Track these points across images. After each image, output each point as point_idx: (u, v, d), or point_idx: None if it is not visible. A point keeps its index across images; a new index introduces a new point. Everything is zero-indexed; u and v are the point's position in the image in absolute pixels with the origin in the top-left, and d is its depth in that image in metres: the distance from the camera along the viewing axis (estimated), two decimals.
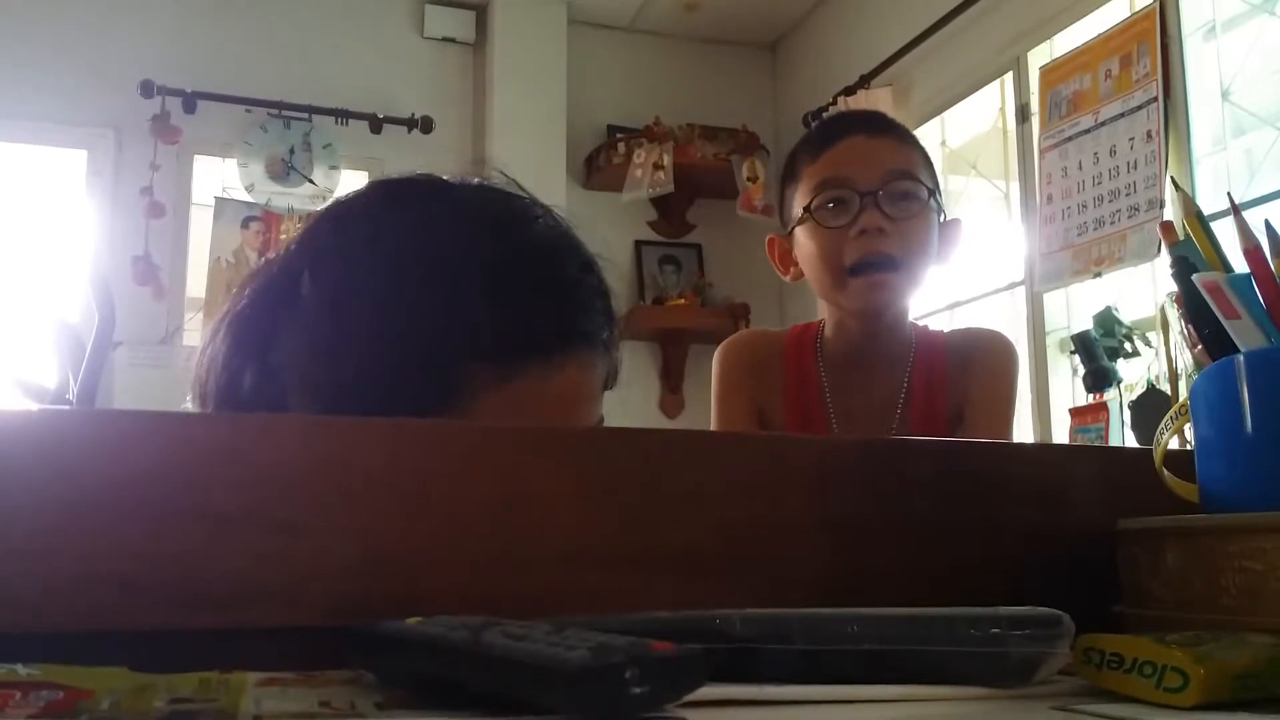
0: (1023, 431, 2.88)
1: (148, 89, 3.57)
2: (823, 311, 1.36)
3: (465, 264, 0.64)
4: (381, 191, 0.71)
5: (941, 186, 1.35)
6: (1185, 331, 0.57)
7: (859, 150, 1.27)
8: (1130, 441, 2.40)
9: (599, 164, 4.04)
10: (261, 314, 0.66)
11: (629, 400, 3.94)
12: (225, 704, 0.36)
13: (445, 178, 0.71)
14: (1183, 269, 0.56)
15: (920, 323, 1.40)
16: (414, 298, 0.63)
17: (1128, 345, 2.54)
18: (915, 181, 1.26)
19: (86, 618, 0.44)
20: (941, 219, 1.31)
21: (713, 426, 1.38)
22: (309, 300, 0.64)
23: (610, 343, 0.70)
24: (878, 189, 1.24)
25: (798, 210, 1.30)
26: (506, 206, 0.71)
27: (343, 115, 3.80)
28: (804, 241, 1.29)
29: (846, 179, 1.25)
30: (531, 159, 3.84)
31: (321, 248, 0.67)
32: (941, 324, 3.28)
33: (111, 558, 0.45)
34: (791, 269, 1.34)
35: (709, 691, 0.38)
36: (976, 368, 1.30)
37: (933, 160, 1.35)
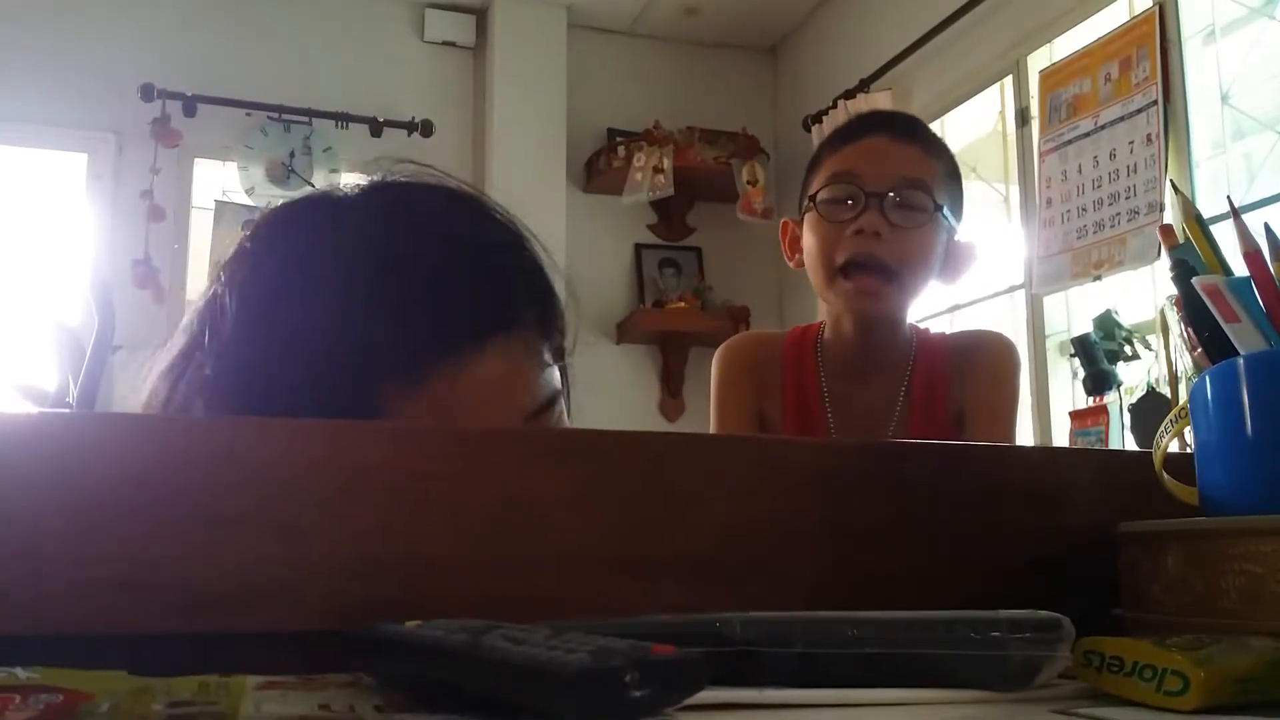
0: (1023, 434, 2.88)
1: (148, 93, 3.57)
2: (823, 313, 1.35)
3: (350, 288, 0.63)
4: (279, 215, 0.70)
5: (963, 209, 1.33)
6: (1185, 334, 0.57)
7: (879, 150, 1.27)
8: (1130, 444, 2.40)
9: (599, 167, 4.05)
10: (200, 329, 0.66)
11: (629, 404, 3.94)
12: (225, 707, 0.36)
13: (337, 191, 0.71)
14: (1182, 272, 0.56)
15: (922, 325, 1.40)
16: (313, 330, 0.62)
17: (1128, 348, 2.54)
18: (925, 194, 1.25)
19: (86, 621, 0.44)
20: (953, 237, 1.30)
21: (712, 429, 1.38)
22: (235, 319, 0.64)
23: (543, 319, 0.68)
24: (885, 192, 1.23)
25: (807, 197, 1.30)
26: (390, 207, 0.69)
27: (343, 119, 3.81)
28: (806, 230, 1.30)
29: (857, 176, 1.25)
30: (532, 162, 3.85)
31: (242, 271, 0.67)
32: (942, 327, 3.29)
33: (111, 561, 0.45)
34: (796, 255, 1.34)
35: (709, 695, 0.38)
36: (978, 370, 1.30)
37: (960, 177, 1.33)
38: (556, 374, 0.70)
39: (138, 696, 0.37)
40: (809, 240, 1.29)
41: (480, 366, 0.64)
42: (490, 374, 0.64)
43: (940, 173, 1.28)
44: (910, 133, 1.31)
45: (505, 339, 0.66)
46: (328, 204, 0.70)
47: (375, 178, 0.72)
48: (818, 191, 1.27)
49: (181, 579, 0.45)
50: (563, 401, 0.71)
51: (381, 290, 0.63)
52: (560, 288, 0.72)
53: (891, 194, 1.23)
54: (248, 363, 0.63)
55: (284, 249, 0.67)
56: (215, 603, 0.46)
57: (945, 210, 1.26)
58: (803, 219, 1.32)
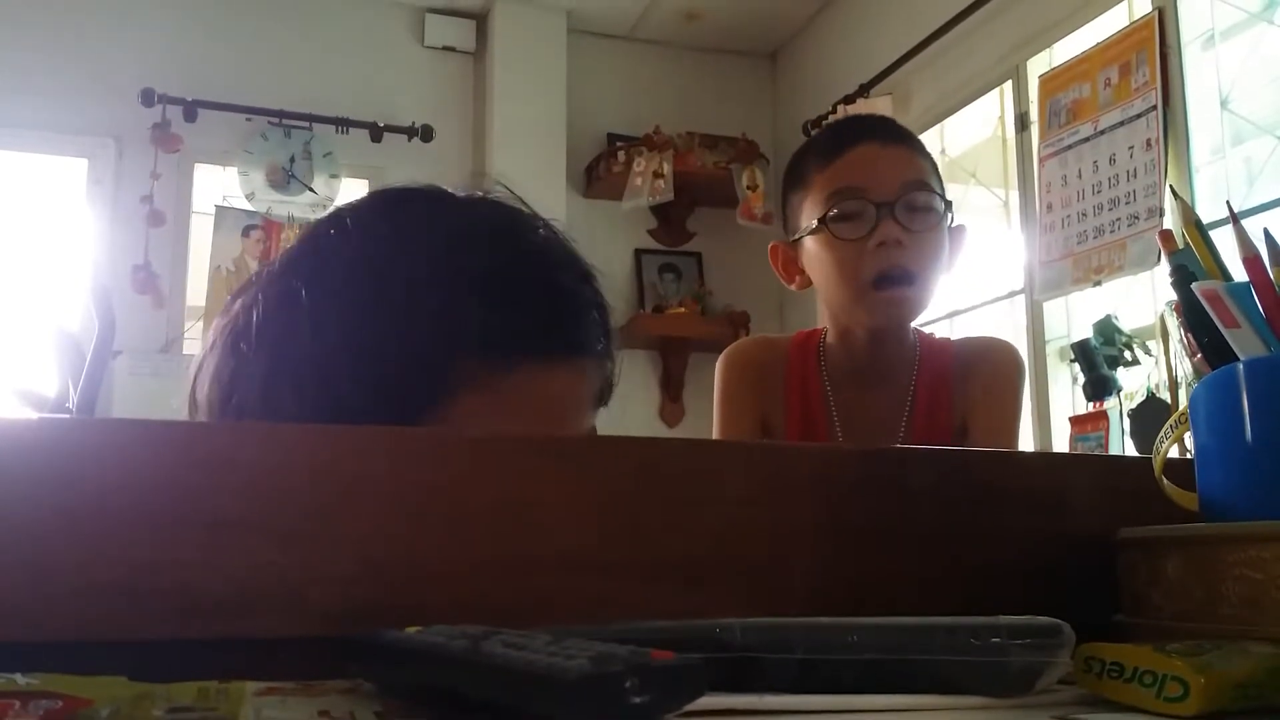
0: (1023, 440, 2.87)
1: (148, 97, 3.58)
2: (823, 319, 1.35)
3: (460, 267, 0.65)
4: (382, 199, 0.71)
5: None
6: (1185, 340, 0.57)
7: (872, 159, 1.25)
8: (1130, 450, 2.40)
9: (599, 172, 4.05)
10: (261, 322, 0.65)
11: (629, 409, 3.94)
12: (224, 713, 0.36)
13: (448, 189, 0.72)
14: (1182, 277, 0.56)
15: (926, 330, 1.39)
16: (408, 299, 0.63)
17: (1127, 354, 2.54)
18: (931, 192, 1.24)
19: (86, 627, 0.44)
20: (950, 224, 1.30)
21: (715, 434, 1.38)
22: (305, 307, 0.64)
23: (606, 355, 0.70)
24: (895, 200, 1.22)
25: (806, 219, 1.27)
26: (506, 215, 0.71)
27: (343, 124, 3.81)
28: (817, 252, 1.27)
29: (861, 189, 1.23)
30: (532, 167, 3.85)
31: (320, 255, 0.67)
32: (943, 332, 3.29)
33: (111, 567, 0.45)
34: (798, 277, 1.32)
35: (709, 701, 0.38)
36: (982, 378, 1.29)
37: (939, 170, 1.34)
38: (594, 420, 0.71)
39: (137, 702, 0.37)
40: (824, 261, 1.26)
41: (559, 376, 0.66)
42: (563, 387, 0.66)
43: (930, 167, 1.28)
44: (895, 135, 1.30)
45: (582, 360, 0.67)
46: (440, 195, 0.71)
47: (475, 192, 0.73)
48: (825, 212, 1.24)
49: (181, 584, 0.45)
50: None
51: (492, 277, 0.64)
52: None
53: (901, 200, 1.22)
54: (337, 330, 0.62)
55: (393, 227, 0.67)
56: (215, 608, 0.46)
57: (951, 209, 1.27)
58: (798, 242, 1.30)
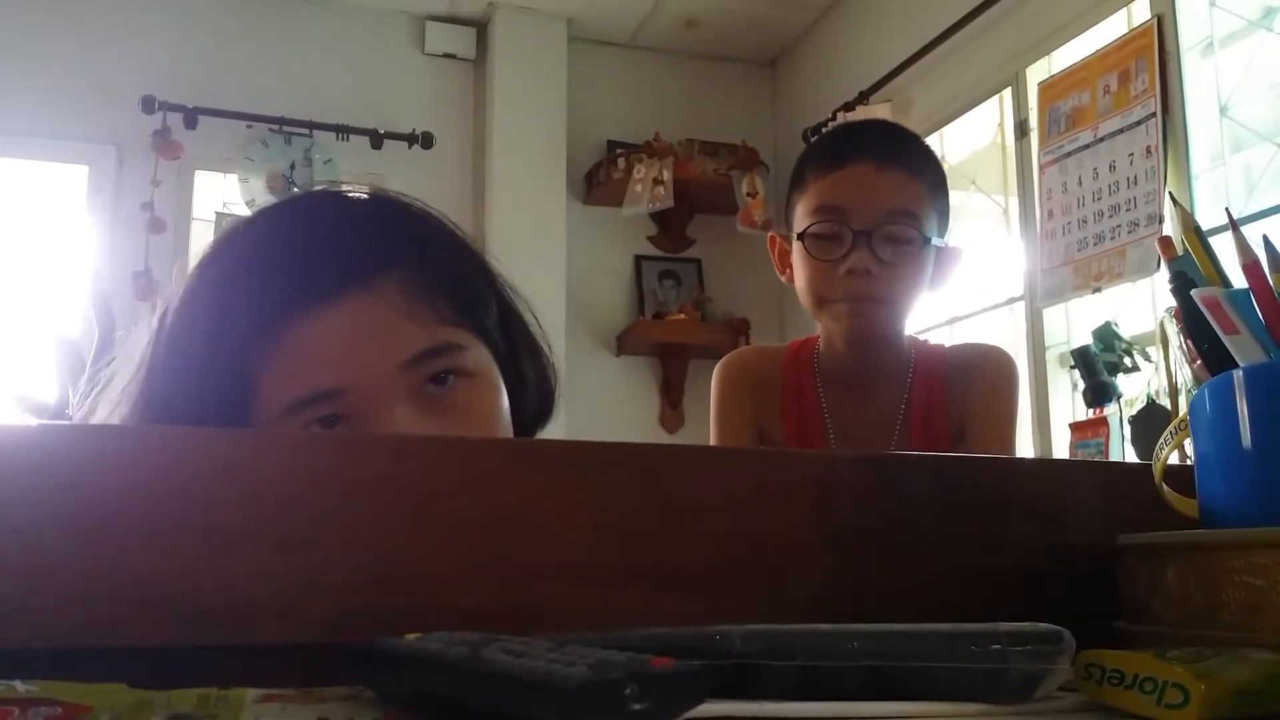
0: (1023, 446, 2.87)
1: (149, 104, 3.58)
2: (820, 326, 1.36)
3: (222, 259, 0.70)
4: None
5: (950, 214, 1.34)
6: (1184, 346, 0.57)
7: (863, 181, 1.25)
8: (1130, 456, 2.40)
9: (599, 179, 4.05)
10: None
11: (629, 415, 3.94)
12: None
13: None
14: (1182, 284, 0.57)
15: (921, 337, 1.40)
16: (196, 306, 0.68)
17: (1127, 360, 2.54)
18: (912, 226, 1.24)
19: (85, 634, 0.44)
20: (943, 244, 1.30)
21: (712, 444, 1.38)
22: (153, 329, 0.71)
23: (432, 284, 0.70)
24: (872, 229, 1.23)
25: (796, 224, 1.30)
26: (288, 204, 0.76)
27: (344, 131, 3.81)
28: (796, 258, 1.30)
29: (843, 211, 1.24)
30: (532, 174, 3.85)
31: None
32: (941, 338, 3.29)
33: (110, 574, 0.45)
34: (788, 270, 1.34)
35: (709, 708, 0.38)
36: (977, 384, 1.30)
37: (945, 184, 1.33)
38: (463, 338, 0.71)
39: (137, 709, 0.37)
40: (799, 271, 1.30)
41: (332, 315, 0.66)
42: (346, 321, 0.67)
43: (926, 193, 1.28)
44: (894, 157, 1.28)
45: (353, 291, 0.67)
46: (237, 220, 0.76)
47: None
48: (807, 227, 1.26)
49: (181, 591, 0.45)
50: (485, 371, 0.72)
51: (245, 263, 0.69)
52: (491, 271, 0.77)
53: (878, 230, 1.23)
54: (157, 368, 0.68)
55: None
56: (215, 615, 0.46)
57: (932, 238, 1.27)
58: (790, 239, 1.32)
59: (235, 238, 0.71)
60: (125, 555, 0.45)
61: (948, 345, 1.40)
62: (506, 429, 0.72)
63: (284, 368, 0.66)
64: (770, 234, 1.38)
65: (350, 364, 0.66)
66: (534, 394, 0.78)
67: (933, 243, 1.27)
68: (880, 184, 1.26)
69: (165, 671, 0.41)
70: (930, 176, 1.30)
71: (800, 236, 1.28)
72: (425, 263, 0.71)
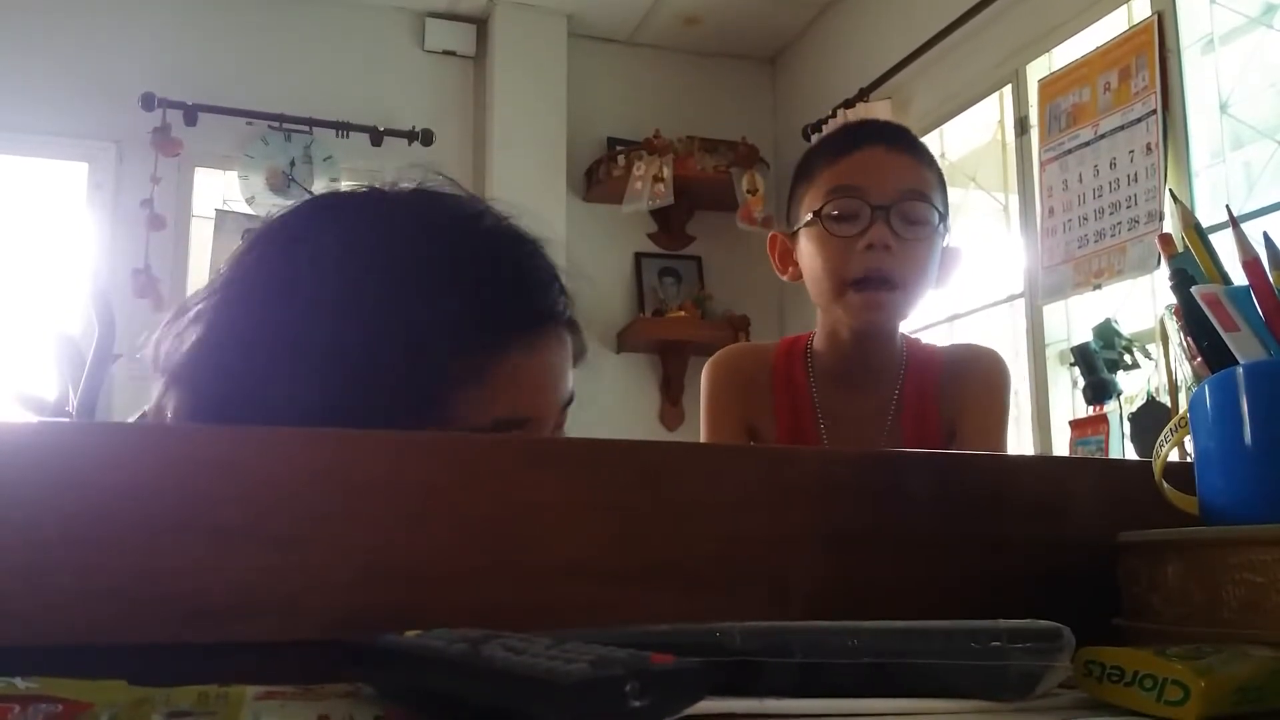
0: (1023, 443, 2.87)
1: (149, 102, 3.58)
2: (820, 320, 1.35)
3: (422, 263, 0.66)
4: (318, 205, 0.73)
5: (949, 210, 1.34)
6: (1184, 344, 0.57)
7: (877, 162, 1.26)
8: (1130, 454, 2.40)
9: (599, 176, 4.05)
10: (221, 343, 0.66)
11: (629, 412, 3.94)
12: (224, 717, 0.36)
13: (380, 185, 0.74)
14: (1182, 281, 0.56)
15: (914, 335, 1.40)
16: (376, 306, 0.64)
17: (1127, 357, 2.54)
18: (928, 204, 1.25)
19: (85, 631, 0.44)
20: (945, 243, 1.30)
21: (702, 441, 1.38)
22: (268, 324, 0.64)
23: (573, 319, 0.73)
24: (890, 205, 1.23)
25: (806, 211, 1.29)
26: (449, 204, 0.73)
27: (343, 128, 3.81)
28: (809, 245, 1.29)
29: (860, 189, 1.24)
30: (532, 171, 3.85)
31: (271, 269, 0.68)
32: (941, 335, 3.29)
33: (110, 571, 0.45)
34: (790, 269, 1.33)
35: (709, 705, 0.38)
36: (969, 384, 1.30)
37: (946, 186, 1.34)
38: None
39: (137, 707, 0.37)
40: (813, 255, 1.28)
41: (542, 351, 0.68)
42: (547, 361, 0.69)
43: (935, 181, 1.29)
44: (904, 143, 1.31)
45: (557, 329, 0.70)
46: (377, 194, 0.73)
47: (413, 184, 0.74)
48: (822, 207, 1.26)
49: (181, 589, 0.45)
50: None
51: (456, 267, 0.66)
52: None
53: (896, 206, 1.23)
54: (320, 345, 0.63)
55: (336, 232, 0.68)
56: (215, 613, 0.46)
57: (941, 228, 1.27)
58: (795, 233, 1.31)
59: (409, 225, 0.69)
60: (125, 553, 0.45)
61: (940, 345, 1.40)
62: None
63: (493, 389, 0.65)
64: (771, 233, 1.38)
65: (549, 395, 0.70)
66: None
67: (942, 232, 1.27)
68: (894, 163, 1.27)
69: (165, 669, 0.41)
70: (936, 171, 1.32)
71: (817, 216, 1.26)
72: (568, 299, 0.74)
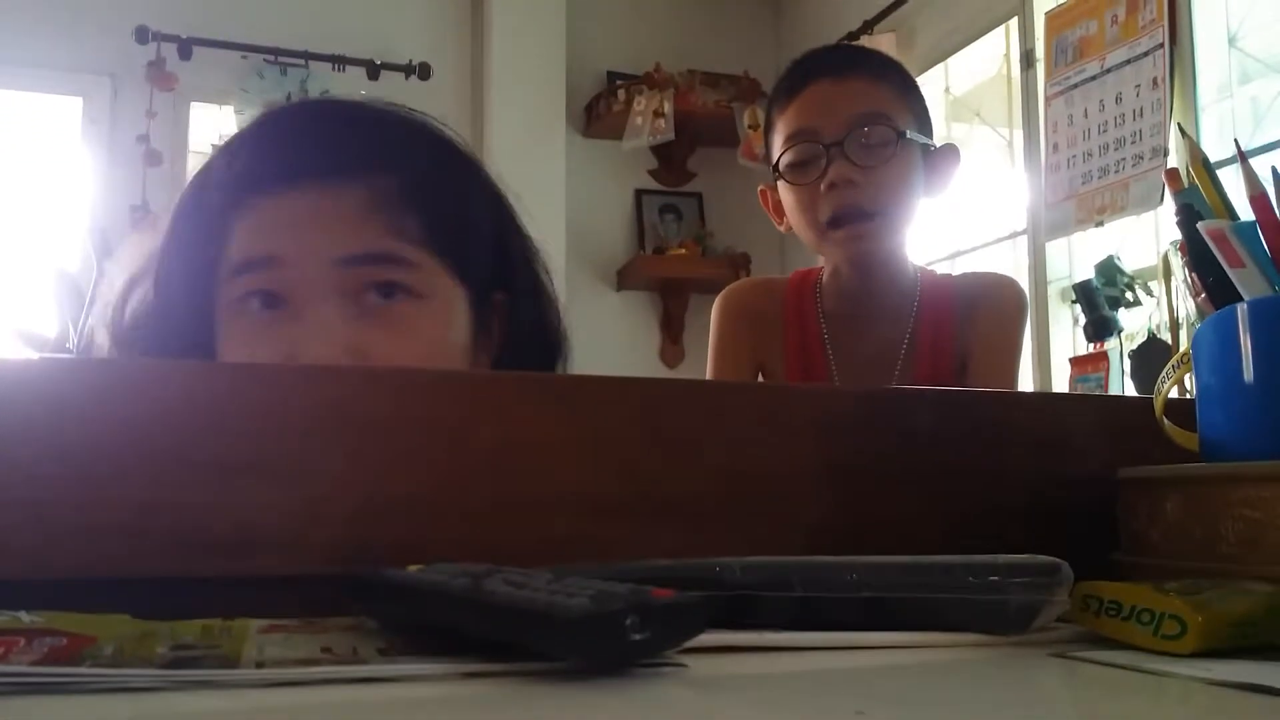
0: (1023, 381, 2.88)
1: (142, 35, 3.53)
2: (824, 260, 1.34)
3: (216, 155, 0.76)
4: None
5: (933, 116, 1.31)
6: (1189, 280, 0.57)
7: (823, 96, 1.24)
8: (1130, 391, 2.40)
9: (599, 111, 4.01)
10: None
11: (629, 350, 3.94)
12: (228, 650, 0.37)
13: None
14: (1188, 217, 0.56)
15: (928, 267, 1.38)
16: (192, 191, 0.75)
17: (1129, 295, 2.53)
18: (883, 125, 1.22)
19: (89, 565, 0.44)
20: (929, 148, 1.28)
21: (708, 376, 1.37)
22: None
23: (390, 182, 0.72)
24: (844, 138, 1.21)
25: (775, 164, 1.28)
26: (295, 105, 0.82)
27: (339, 61, 3.76)
28: (785, 196, 1.28)
29: (812, 130, 1.23)
30: (530, 106, 3.81)
31: None
32: (944, 271, 3.27)
33: (113, 506, 0.45)
34: (784, 220, 1.32)
35: (709, 638, 0.38)
36: (983, 314, 1.28)
37: (916, 86, 1.30)
38: (421, 259, 0.71)
39: (141, 640, 0.37)
40: (789, 205, 1.27)
41: (289, 200, 0.70)
42: (297, 207, 0.70)
43: (894, 94, 1.25)
44: (850, 66, 1.27)
45: (326, 189, 0.70)
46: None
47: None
48: (779, 158, 1.25)
49: (184, 524, 0.46)
50: (439, 298, 0.73)
51: (232, 147, 0.75)
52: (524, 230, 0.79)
53: (848, 137, 1.21)
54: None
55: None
56: (218, 547, 0.46)
57: (909, 132, 1.24)
58: (776, 185, 1.30)
59: (246, 128, 0.77)
60: (128, 488, 0.45)
61: (957, 275, 1.38)
62: (452, 363, 0.72)
63: (240, 233, 0.70)
64: (760, 188, 1.36)
65: (288, 241, 0.70)
66: (536, 345, 0.78)
67: (914, 140, 1.24)
68: (842, 93, 1.24)
69: (169, 603, 0.42)
70: (895, 78, 1.28)
71: (777, 171, 1.26)
72: (406, 181, 0.72)
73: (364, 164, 0.71)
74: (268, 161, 0.72)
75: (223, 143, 0.78)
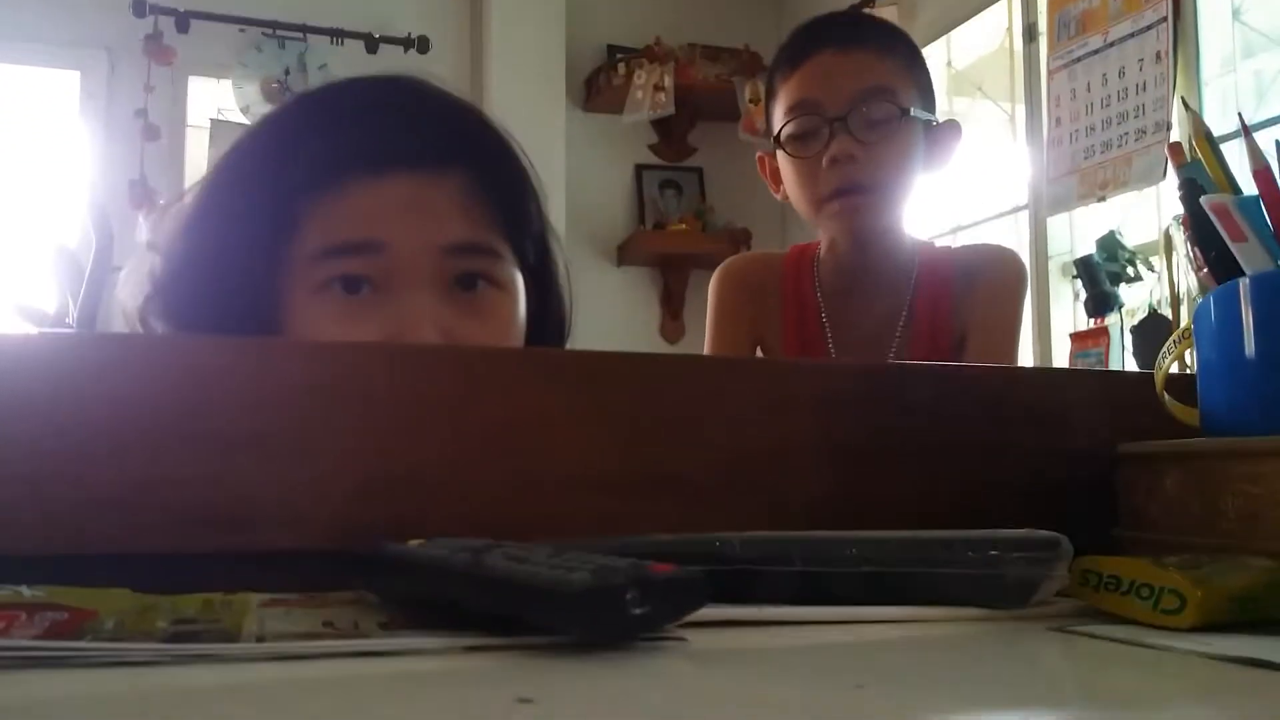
0: (1023, 356, 2.87)
1: (140, 8, 3.51)
2: (821, 234, 1.34)
3: (283, 121, 0.75)
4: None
5: (935, 90, 1.30)
6: (1191, 255, 0.57)
7: (827, 69, 1.22)
8: (1130, 367, 2.40)
9: (599, 85, 3.98)
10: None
11: (629, 326, 3.93)
12: (229, 624, 0.37)
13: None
14: (1191, 191, 0.56)
15: (928, 241, 1.37)
16: (244, 167, 0.73)
17: (1130, 270, 2.53)
18: (887, 101, 1.21)
19: (90, 540, 0.44)
20: (931, 124, 1.27)
21: (706, 351, 1.37)
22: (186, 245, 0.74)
23: (490, 189, 0.73)
24: (847, 112, 1.19)
25: (775, 133, 1.27)
26: (341, 80, 0.77)
27: (338, 35, 3.74)
28: (784, 167, 1.27)
29: (815, 103, 1.21)
30: (530, 79, 3.78)
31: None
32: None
33: (113, 482, 0.45)
34: (780, 188, 1.31)
35: (709, 613, 0.38)
36: (981, 288, 1.27)
37: (921, 58, 1.29)
38: (504, 249, 0.73)
39: (142, 614, 0.37)
40: (788, 177, 1.26)
41: (394, 185, 0.69)
42: (404, 193, 0.69)
43: (899, 68, 1.24)
44: (856, 38, 1.25)
45: (429, 175, 0.70)
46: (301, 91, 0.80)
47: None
48: (781, 129, 1.24)
49: (184, 499, 0.46)
50: (513, 287, 0.74)
51: (313, 122, 0.73)
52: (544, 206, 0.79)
53: (852, 112, 1.20)
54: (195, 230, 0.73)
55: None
56: (219, 522, 0.46)
57: (913, 109, 1.23)
58: (775, 154, 1.29)
59: (303, 98, 0.76)
60: (128, 463, 0.45)
61: (956, 248, 1.37)
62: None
63: (332, 216, 0.68)
64: (759, 155, 1.35)
65: (395, 227, 0.69)
66: (548, 328, 0.80)
67: (918, 117, 1.23)
68: (846, 67, 1.22)
69: (169, 578, 0.42)
70: (902, 51, 1.27)
71: (778, 141, 1.25)
72: (486, 170, 0.73)
73: (454, 153, 0.72)
74: (352, 145, 0.70)
75: (264, 121, 0.76)
